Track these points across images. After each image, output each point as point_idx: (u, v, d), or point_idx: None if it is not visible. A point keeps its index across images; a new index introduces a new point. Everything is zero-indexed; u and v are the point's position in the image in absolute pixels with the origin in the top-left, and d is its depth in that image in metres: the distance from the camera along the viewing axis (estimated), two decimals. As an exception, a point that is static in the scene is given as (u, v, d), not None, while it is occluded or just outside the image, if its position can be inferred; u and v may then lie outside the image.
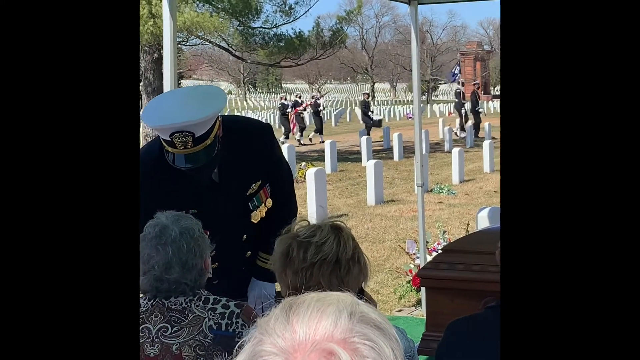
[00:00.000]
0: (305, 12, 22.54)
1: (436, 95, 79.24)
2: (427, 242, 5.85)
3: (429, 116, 40.86)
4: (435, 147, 21.45)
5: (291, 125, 25.21)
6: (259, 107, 53.51)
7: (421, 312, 5.31)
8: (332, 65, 71.00)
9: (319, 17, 27.69)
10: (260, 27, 20.22)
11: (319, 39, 24.40)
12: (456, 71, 28.46)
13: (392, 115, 44.96)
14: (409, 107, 44.37)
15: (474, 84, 29.74)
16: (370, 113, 27.41)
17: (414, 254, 6.15)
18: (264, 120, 5.21)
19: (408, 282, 6.07)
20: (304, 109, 26.49)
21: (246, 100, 64.10)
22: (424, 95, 71.03)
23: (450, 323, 1.99)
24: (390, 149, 19.94)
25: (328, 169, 15.68)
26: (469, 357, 1.85)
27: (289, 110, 25.55)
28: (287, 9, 20.83)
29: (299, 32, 23.86)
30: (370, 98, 28.59)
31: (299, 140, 25.09)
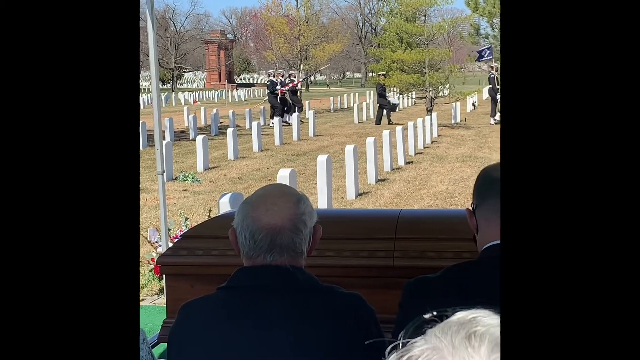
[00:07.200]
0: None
1: (181, 84, 78.70)
2: (169, 229, 5.81)
3: (174, 104, 40.52)
4: (181, 136, 21.34)
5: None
6: None
7: (163, 300, 5.26)
8: (71, 51, 67.91)
9: (54, 0, 26.40)
10: None
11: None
12: (485, 55, 26.63)
13: (136, 104, 43.91)
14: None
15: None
16: (387, 95, 25.03)
17: (156, 242, 6.08)
18: None
19: (150, 270, 5.99)
20: (289, 90, 24.52)
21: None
22: (169, 83, 70.28)
23: (182, 305, 1.98)
24: (134, 138, 19.50)
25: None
26: (198, 336, 1.86)
27: (278, 87, 23.81)
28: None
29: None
30: (384, 80, 25.07)
31: (285, 122, 22.71)
